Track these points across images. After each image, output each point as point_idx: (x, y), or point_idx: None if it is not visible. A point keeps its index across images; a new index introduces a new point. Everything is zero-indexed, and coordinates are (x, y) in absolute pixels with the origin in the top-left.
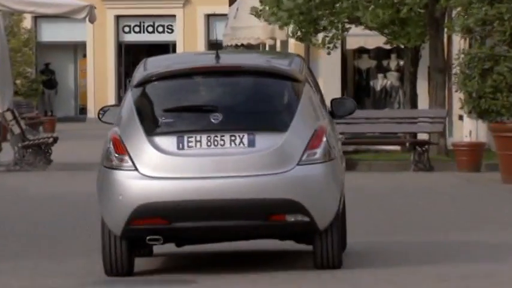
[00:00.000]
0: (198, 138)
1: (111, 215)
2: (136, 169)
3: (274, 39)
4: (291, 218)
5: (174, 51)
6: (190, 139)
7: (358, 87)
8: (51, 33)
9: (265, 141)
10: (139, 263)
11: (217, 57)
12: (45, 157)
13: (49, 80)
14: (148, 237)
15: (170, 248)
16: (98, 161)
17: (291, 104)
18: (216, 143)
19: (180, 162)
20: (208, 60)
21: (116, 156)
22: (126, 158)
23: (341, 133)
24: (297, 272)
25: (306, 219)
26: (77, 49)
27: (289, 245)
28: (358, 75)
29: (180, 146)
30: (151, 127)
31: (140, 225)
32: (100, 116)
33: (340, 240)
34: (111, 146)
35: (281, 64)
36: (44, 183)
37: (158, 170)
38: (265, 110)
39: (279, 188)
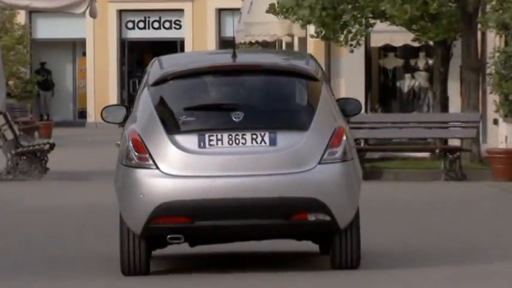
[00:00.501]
0: (220, 137)
1: (132, 214)
2: (157, 168)
3: (292, 36)
4: (312, 217)
5: (182, 49)
6: (211, 137)
7: (383, 88)
8: (47, 29)
9: (287, 139)
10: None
11: (234, 56)
12: (40, 165)
13: (45, 81)
14: (169, 236)
15: (173, 250)
16: (99, 170)
17: (311, 103)
18: (237, 141)
19: (201, 160)
20: (225, 59)
21: (136, 155)
22: (147, 156)
23: (365, 139)
24: (313, 273)
25: (327, 218)
26: (76, 47)
27: (296, 245)
28: (383, 76)
29: (202, 145)
30: (171, 126)
31: (161, 223)
32: (103, 116)
33: (360, 240)
34: (131, 145)
35: (299, 62)
36: (40, 194)
37: (180, 168)
38: (286, 108)
39: (301, 186)
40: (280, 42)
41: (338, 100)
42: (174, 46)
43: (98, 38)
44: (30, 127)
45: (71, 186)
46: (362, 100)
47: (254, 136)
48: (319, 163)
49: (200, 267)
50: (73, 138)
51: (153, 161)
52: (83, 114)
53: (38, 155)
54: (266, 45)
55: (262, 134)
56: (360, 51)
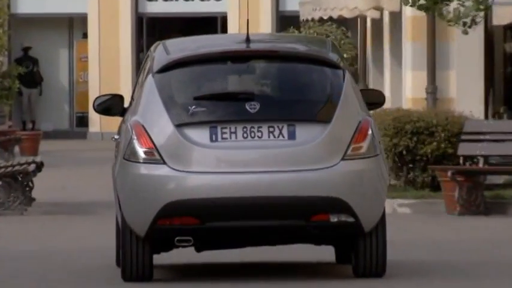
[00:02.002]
0: (233, 130)
1: (135, 214)
2: (164, 163)
3: (380, 10)
4: (334, 219)
5: (224, 28)
6: (224, 130)
7: (510, 84)
8: (32, 1)
9: (307, 133)
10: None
11: (248, 41)
12: (23, 194)
13: (29, 74)
14: (177, 238)
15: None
16: (104, 199)
17: (334, 93)
18: (252, 134)
19: (213, 155)
20: (238, 44)
21: (140, 149)
22: (153, 150)
23: (485, 156)
24: (334, 282)
25: (351, 219)
26: (73, 26)
27: (311, 254)
28: (510, 67)
29: (213, 138)
30: (180, 117)
31: (168, 224)
32: (96, 106)
33: (386, 244)
34: (135, 137)
35: (319, 49)
36: (21, 234)
37: (189, 163)
38: (306, 99)
39: (322, 185)
40: (364, 18)
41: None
42: (212, 24)
43: (104, 12)
44: (8, 139)
45: (65, 223)
46: (480, 100)
47: (271, 129)
48: (342, 159)
49: (207, 276)
50: (69, 154)
51: (160, 155)
52: (83, 121)
53: (20, 180)
54: (343, 23)
55: (280, 126)
56: (478, 32)
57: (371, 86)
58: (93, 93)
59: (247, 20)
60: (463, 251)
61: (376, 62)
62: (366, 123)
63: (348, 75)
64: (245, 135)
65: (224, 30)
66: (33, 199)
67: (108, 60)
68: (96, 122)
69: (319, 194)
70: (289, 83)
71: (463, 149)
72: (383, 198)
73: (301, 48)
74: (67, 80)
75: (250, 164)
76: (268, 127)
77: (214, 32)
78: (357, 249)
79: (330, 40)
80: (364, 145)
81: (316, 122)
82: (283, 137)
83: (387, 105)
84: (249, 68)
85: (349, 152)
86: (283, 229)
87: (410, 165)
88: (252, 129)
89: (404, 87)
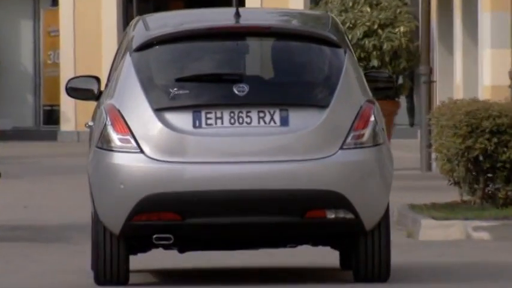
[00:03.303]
0: (219, 115)
1: (109, 208)
2: (141, 151)
3: None
4: (331, 215)
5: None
6: (209, 115)
7: None
8: None
9: (301, 119)
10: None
11: (237, 15)
12: None
13: None
14: (155, 236)
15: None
16: (80, 222)
17: (332, 74)
18: (240, 120)
19: (196, 143)
20: (226, 19)
21: (115, 135)
22: (129, 137)
23: None
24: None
25: (350, 216)
26: None
27: (309, 259)
28: None
29: (197, 124)
30: (160, 101)
31: (145, 220)
32: (68, 90)
33: (390, 245)
34: (109, 123)
35: (317, 25)
36: None
37: (169, 152)
38: (301, 81)
39: (318, 177)
40: None
41: (365, 74)
42: None
43: None
44: None
45: (27, 253)
46: None
47: (261, 114)
48: (341, 148)
49: (196, 281)
50: (33, 161)
51: (137, 143)
52: (52, 116)
53: None
54: None
55: (272, 111)
56: None
57: (437, 69)
58: (66, 79)
59: None
60: None
61: (444, 37)
62: (368, 108)
63: (349, 54)
64: (232, 121)
65: (242, 2)
66: None
67: (86, 34)
68: (70, 117)
69: (314, 187)
70: (282, 63)
71: None
72: (387, 193)
73: (296, 24)
74: (31, 62)
75: (238, 153)
76: (258, 112)
77: (228, 4)
78: (358, 250)
79: (331, 15)
80: (366, 133)
81: (311, 106)
82: (275, 123)
83: (458, 95)
84: (237, 47)
85: (348, 140)
86: (274, 226)
87: (489, 175)
88: (240, 115)
89: (481, 72)
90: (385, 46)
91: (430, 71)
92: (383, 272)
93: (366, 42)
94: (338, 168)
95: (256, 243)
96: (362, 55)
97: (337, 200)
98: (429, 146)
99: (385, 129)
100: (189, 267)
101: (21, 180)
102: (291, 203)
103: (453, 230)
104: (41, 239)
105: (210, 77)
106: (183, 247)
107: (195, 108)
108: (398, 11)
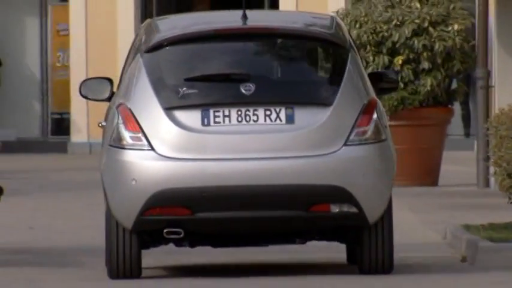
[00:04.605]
0: (227, 113)
1: (121, 204)
2: (152, 149)
3: None
4: (335, 209)
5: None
6: (217, 113)
7: None
8: None
9: (306, 116)
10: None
11: (245, 17)
12: None
13: None
14: (166, 230)
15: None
16: (93, 243)
17: (336, 73)
18: (248, 118)
19: (205, 140)
20: (234, 20)
21: (127, 134)
22: (140, 135)
23: None
24: (342, 277)
25: (354, 210)
26: None
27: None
28: None
29: (205, 122)
30: (170, 100)
31: (157, 215)
32: (82, 92)
33: (392, 238)
34: (121, 122)
35: (322, 26)
36: None
37: (179, 149)
38: (306, 80)
39: (322, 172)
40: None
41: (369, 74)
42: None
43: None
44: None
45: (32, 279)
46: None
47: (268, 112)
48: (345, 144)
49: (204, 275)
50: (40, 176)
51: (147, 140)
52: (61, 125)
53: None
54: None
55: (278, 109)
56: None
57: (495, 72)
58: (77, 83)
59: None
60: None
61: (503, 36)
62: (371, 106)
63: (352, 54)
64: (239, 119)
65: (274, 5)
66: None
67: (99, 33)
68: (82, 127)
69: (319, 182)
70: (288, 63)
71: None
72: (389, 188)
73: (302, 25)
74: (37, 64)
75: (245, 150)
76: (265, 110)
77: (260, 6)
78: (362, 244)
79: (335, 17)
80: (369, 129)
81: (316, 104)
82: (281, 120)
83: None
84: (245, 47)
85: (352, 137)
86: (280, 220)
87: None
88: (247, 113)
89: None
90: (436, 46)
91: (488, 75)
92: (386, 264)
93: (415, 41)
94: (342, 164)
95: (264, 238)
96: (411, 56)
97: (341, 195)
98: (487, 159)
99: (388, 127)
100: (200, 262)
101: (26, 197)
102: (296, 198)
103: None
104: (49, 264)
105: (218, 76)
106: (193, 241)
107: (204, 107)
108: (451, 6)
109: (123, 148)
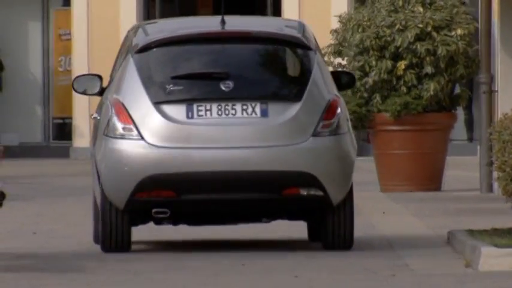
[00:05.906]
0: (208, 107)
1: (114, 187)
2: (142, 138)
3: None
4: (304, 192)
5: (276, 6)
6: (200, 107)
7: None
8: None
9: (279, 111)
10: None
11: (223, 22)
12: None
13: None
14: (154, 210)
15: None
16: (92, 250)
17: (304, 73)
18: (227, 112)
19: (189, 131)
20: (214, 25)
21: (120, 125)
22: (131, 126)
23: None
24: (307, 253)
25: (320, 193)
26: None
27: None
28: None
29: (190, 115)
30: (158, 95)
31: (146, 197)
32: (75, 87)
33: (353, 218)
34: (114, 114)
35: (291, 31)
36: None
37: (166, 139)
38: (278, 78)
39: (293, 160)
40: None
41: (331, 72)
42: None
43: None
44: None
45: (36, 285)
46: None
47: (244, 107)
48: (312, 135)
49: (183, 250)
50: (42, 181)
51: (138, 131)
52: (64, 130)
53: None
54: None
55: (253, 104)
56: None
57: (499, 77)
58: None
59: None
60: None
61: (507, 41)
62: (335, 102)
63: (318, 56)
64: (220, 112)
65: (276, 9)
66: None
67: (102, 38)
68: (84, 132)
69: (290, 168)
70: (261, 63)
71: None
72: (351, 174)
73: (274, 30)
74: (39, 69)
75: (225, 140)
76: (242, 105)
77: (263, 8)
78: (326, 223)
79: (303, 22)
80: (333, 122)
81: (287, 100)
82: (256, 114)
83: None
84: (224, 49)
85: (318, 129)
86: (256, 202)
87: None
88: (226, 107)
89: None
90: (440, 51)
91: (491, 79)
92: (347, 240)
93: (418, 46)
94: (310, 153)
95: (236, 218)
96: (414, 61)
97: (309, 180)
98: (490, 164)
99: (350, 124)
100: (181, 239)
101: (28, 202)
102: (270, 182)
103: None
104: (50, 269)
105: (200, 75)
106: (177, 220)
107: (188, 102)
108: (455, 11)
109: (116, 138)
